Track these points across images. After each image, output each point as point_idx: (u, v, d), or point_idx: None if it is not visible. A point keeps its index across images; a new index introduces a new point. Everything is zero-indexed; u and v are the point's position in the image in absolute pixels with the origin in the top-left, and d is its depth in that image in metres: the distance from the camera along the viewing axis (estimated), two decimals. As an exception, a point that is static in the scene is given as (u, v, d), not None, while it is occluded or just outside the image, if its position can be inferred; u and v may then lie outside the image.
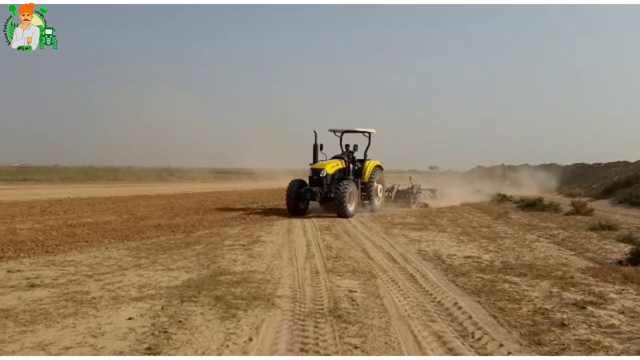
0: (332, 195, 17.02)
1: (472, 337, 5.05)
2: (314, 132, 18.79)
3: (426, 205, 21.81)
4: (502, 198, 26.77)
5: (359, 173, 19.00)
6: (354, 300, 6.35)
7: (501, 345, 4.83)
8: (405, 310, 5.94)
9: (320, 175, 17.51)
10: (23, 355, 4.38)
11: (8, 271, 7.59)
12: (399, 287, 7.10)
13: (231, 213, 17.64)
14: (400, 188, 22.54)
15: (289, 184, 17.85)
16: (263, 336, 4.98)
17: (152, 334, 4.91)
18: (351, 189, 17.24)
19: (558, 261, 9.17)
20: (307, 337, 4.96)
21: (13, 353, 4.37)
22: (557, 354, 4.66)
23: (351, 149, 19.40)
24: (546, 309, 6.04)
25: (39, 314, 5.50)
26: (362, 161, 19.35)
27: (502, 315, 5.80)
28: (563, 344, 4.88)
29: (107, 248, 9.87)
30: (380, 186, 19.78)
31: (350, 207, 17.13)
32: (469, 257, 9.55)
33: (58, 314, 5.49)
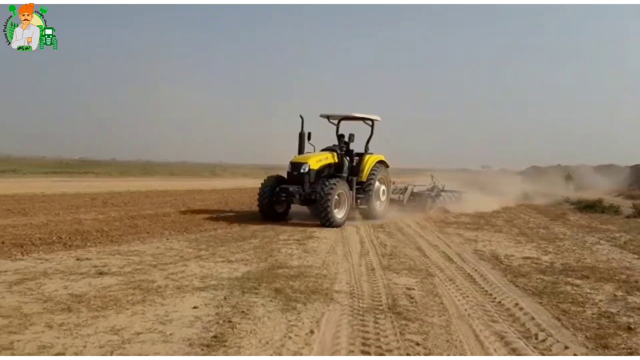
0: (315, 196, 13.31)
1: (536, 338, 4.97)
2: (300, 117, 14.74)
3: (446, 211, 18.22)
4: (565, 202, 24.80)
5: (355, 170, 15.07)
6: (412, 297, 6.34)
7: (566, 348, 4.74)
8: (465, 310, 5.89)
9: (301, 170, 13.66)
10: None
11: (77, 259, 7.93)
12: (457, 286, 7.05)
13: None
14: (416, 189, 18.92)
15: (263, 181, 14.24)
16: (324, 329, 5.04)
17: (217, 323, 5.06)
18: (340, 190, 13.38)
19: (621, 264, 8.89)
20: (367, 332, 5.00)
21: (88, 336, 4.59)
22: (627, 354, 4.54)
23: (346, 139, 15.31)
24: (611, 313, 5.88)
25: (109, 300, 5.74)
26: (361, 155, 15.43)
27: (566, 317, 5.68)
28: (630, 348, 4.76)
29: (168, 239, 10.20)
30: (383, 187, 15.71)
31: (339, 214, 13.35)
32: (527, 258, 9.36)
33: (127, 301, 5.72)
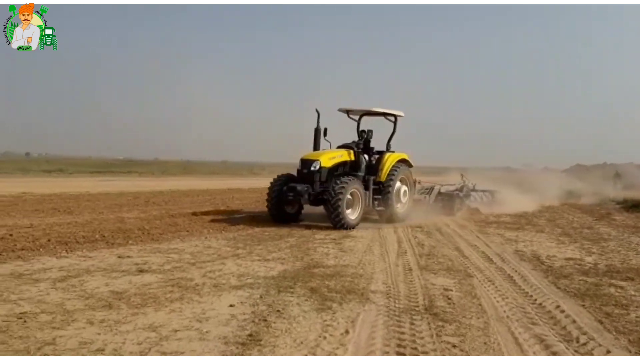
0: (326, 196, 12.30)
1: (577, 341, 4.83)
2: (316, 111, 13.81)
3: (477, 212, 17.14)
4: (611, 202, 23.57)
5: (373, 169, 14.04)
6: (449, 298, 6.25)
7: (608, 352, 4.60)
8: (504, 312, 5.78)
9: (312, 168, 12.70)
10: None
11: (119, 257, 8.12)
12: (496, 287, 6.91)
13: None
14: (443, 189, 17.50)
15: (273, 180, 13.37)
16: (359, 330, 5.02)
17: (253, 322, 5.09)
18: (353, 188, 12.49)
19: (670, 267, 8.56)
20: (403, 333, 4.95)
21: (127, 333, 4.68)
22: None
23: (366, 135, 14.61)
24: (658, 317, 5.67)
25: (149, 297, 5.85)
26: (381, 153, 14.45)
27: (609, 320, 5.50)
28: (679, 355, 4.57)
29: (206, 238, 10.35)
30: (404, 188, 14.52)
31: (352, 215, 12.57)
32: (570, 259, 9.11)
33: (165, 298, 5.82)
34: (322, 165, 12.82)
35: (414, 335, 4.88)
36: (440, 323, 5.28)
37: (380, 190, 13.70)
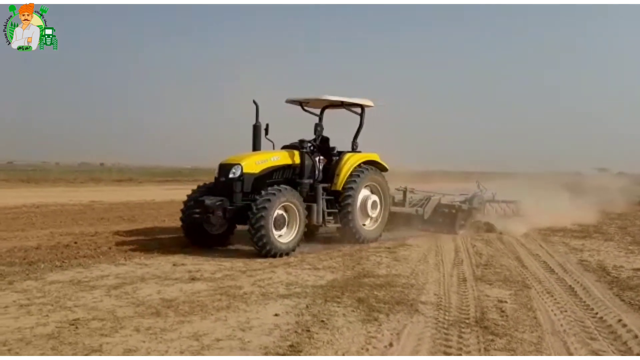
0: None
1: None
2: (255, 103, 10.92)
3: (491, 229, 13.37)
4: None
5: (329, 175, 11.05)
6: (503, 311, 6.00)
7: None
8: (561, 325, 5.48)
9: (231, 175, 9.66)
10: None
11: (174, 264, 8.29)
12: (555, 299, 6.58)
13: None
14: (445, 199, 14.11)
15: (191, 191, 10.47)
16: (404, 342, 4.89)
17: (296, 332, 5.05)
18: (286, 202, 9.38)
19: None
20: (450, 347, 4.78)
21: (171, 341, 4.75)
22: None
23: (320, 131, 11.30)
24: None
25: (196, 305, 5.93)
26: (340, 155, 11.44)
27: (678, 338, 5.10)
28: None
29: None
30: (375, 198, 11.51)
31: (286, 237, 9.46)
32: (639, 269, 8.57)
33: (213, 307, 5.88)
34: (245, 171, 9.66)
35: (460, 350, 4.70)
36: (490, 337, 5.07)
37: (337, 202, 10.82)
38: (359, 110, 11.87)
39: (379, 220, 11.73)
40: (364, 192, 11.32)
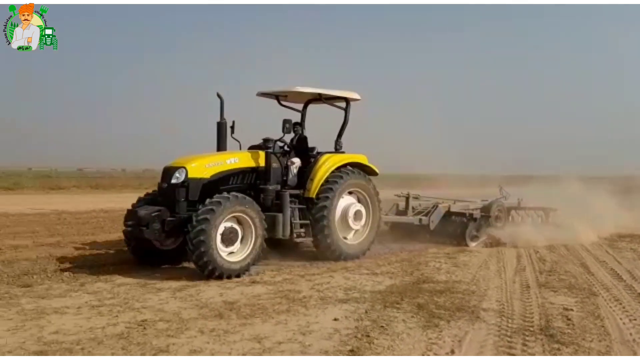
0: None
1: None
2: (219, 97, 9.51)
3: (495, 241, 11.71)
4: None
5: (302, 180, 9.56)
6: (569, 319, 5.81)
7: None
8: (631, 334, 5.27)
9: (173, 181, 8.21)
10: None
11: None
12: (623, 307, 6.32)
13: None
14: (456, 207, 12.34)
15: (136, 201, 8.77)
16: (466, 350, 4.82)
17: (355, 337, 5.06)
18: (236, 212, 7.90)
19: None
20: (513, 354, 4.68)
21: (234, 343, 4.86)
22: None
23: (300, 130, 10.29)
24: None
25: (257, 308, 6.04)
26: (316, 156, 9.85)
27: None
28: None
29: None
30: (359, 207, 9.84)
31: (237, 255, 7.97)
32: None
33: (273, 310, 5.97)
34: (191, 175, 8.20)
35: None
36: (555, 345, 4.93)
37: (310, 212, 9.28)
38: (343, 104, 10.32)
39: (365, 233, 9.93)
40: (346, 200, 9.72)
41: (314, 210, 9.20)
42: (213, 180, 8.47)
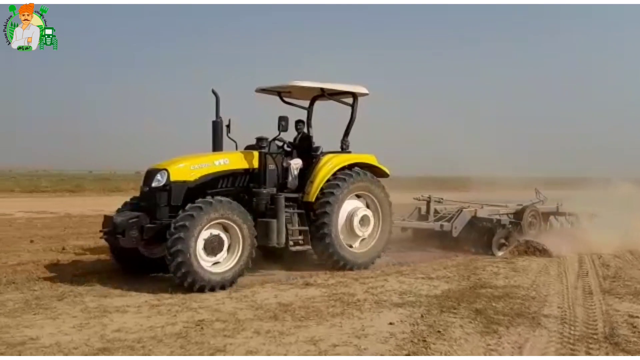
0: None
1: None
2: (214, 94, 8.66)
3: (540, 250, 10.41)
4: None
5: (303, 182, 8.83)
6: (635, 327, 5.57)
7: None
8: None
9: (154, 184, 7.63)
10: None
11: (288, 270, 8.51)
12: (695, 316, 6.00)
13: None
14: (483, 212, 11.34)
15: (122, 206, 8.20)
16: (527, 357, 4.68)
17: (412, 342, 5.00)
18: (213, 218, 7.14)
19: None
20: (577, 363, 4.51)
21: (289, 345, 4.88)
22: None
23: (303, 128, 9.55)
24: None
25: (312, 311, 6.05)
26: (317, 157, 9.04)
27: None
28: None
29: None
30: (367, 212, 9.01)
31: (222, 266, 7.30)
32: None
33: (327, 313, 5.97)
34: (173, 178, 7.58)
35: (589, 368, 4.41)
36: (621, 354, 4.73)
37: (310, 218, 8.57)
38: (349, 100, 9.53)
39: (374, 240, 9.10)
40: (351, 204, 8.94)
41: (314, 216, 8.49)
42: (200, 183, 7.84)
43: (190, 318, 5.71)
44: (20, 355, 4.56)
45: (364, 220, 8.94)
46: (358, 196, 9.09)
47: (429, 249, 10.89)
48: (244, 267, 7.41)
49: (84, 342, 4.87)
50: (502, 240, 10.64)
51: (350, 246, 8.88)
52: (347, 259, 8.60)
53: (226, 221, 7.30)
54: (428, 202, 11.39)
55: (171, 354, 4.64)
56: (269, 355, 4.63)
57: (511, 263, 9.49)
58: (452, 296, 6.83)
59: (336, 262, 8.52)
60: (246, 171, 8.39)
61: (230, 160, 8.26)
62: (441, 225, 10.66)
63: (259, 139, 8.36)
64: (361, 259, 8.82)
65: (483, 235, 10.67)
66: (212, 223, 7.14)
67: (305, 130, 9.53)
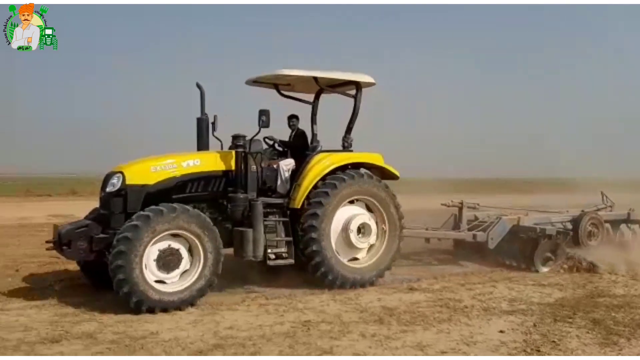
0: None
1: None
2: (198, 87, 7.67)
3: (590, 267, 8.70)
4: None
5: (290, 186, 7.74)
6: None
7: None
8: None
9: (108, 189, 6.85)
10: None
11: (391, 273, 8.43)
12: None
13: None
14: (527, 221, 9.55)
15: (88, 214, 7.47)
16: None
17: (524, 351, 4.81)
18: (163, 229, 6.23)
19: None
20: None
21: (396, 349, 4.85)
22: None
23: (296, 125, 8.45)
24: None
25: (417, 316, 5.97)
26: (308, 156, 7.85)
27: None
28: None
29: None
30: (367, 220, 7.71)
31: (177, 284, 6.35)
32: None
33: (434, 318, 5.86)
34: (130, 182, 6.73)
35: None
36: None
37: (295, 226, 7.45)
38: (352, 90, 8.24)
39: (379, 253, 7.80)
40: (349, 211, 7.70)
41: (301, 231, 7.33)
42: (163, 188, 6.88)
43: (297, 318, 5.83)
44: (142, 348, 4.87)
45: (363, 230, 7.65)
46: (353, 201, 7.76)
47: (463, 262, 9.51)
48: (207, 285, 6.43)
49: (199, 338, 5.12)
50: (548, 254, 8.93)
51: (348, 261, 7.64)
52: (345, 277, 7.38)
53: (182, 232, 6.35)
54: (460, 208, 9.86)
55: (280, 353, 4.77)
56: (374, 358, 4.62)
57: (631, 270, 8.81)
58: (567, 305, 6.48)
59: (332, 282, 7.29)
60: (223, 174, 7.31)
61: (203, 161, 7.27)
62: (474, 236, 9.14)
63: (235, 137, 7.33)
64: (365, 274, 7.59)
65: (525, 247, 9.06)
66: (164, 234, 6.24)
67: (299, 127, 8.42)
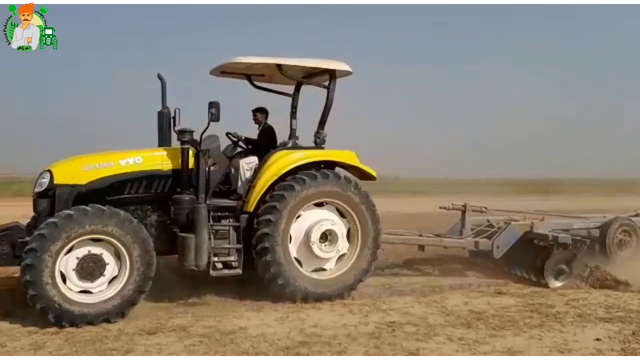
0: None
1: None
2: (159, 78, 6.96)
3: (615, 284, 7.51)
4: None
5: (245, 189, 7.00)
6: None
7: None
8: None
9: (36, 189, 6.34)
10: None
11: (476, 277, 8.21)
12: None
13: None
14: (540, 227, 8.12)
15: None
16: None
17: (623, 361, 4.55)
18: (75, 235, 5.55)
19: None
20: None
21: (485, 354, 4.73)
22: None
23: (264, 121, 7.64)
24: None
25: (507, 320, 5.79)
26: (268, 153, 7.00)
27: None
28: None
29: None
30: (335, 228, 6.78)
31: (96, 295, 5.69)
32: None
33: (524, 324, 5.67)
34: (58, 181, 6.18)
35: None
36: None
37: (251, 232, 6.63)
38: (326, 80, 7.33)
39: (350, 263, 6.92)
40: (315, 216, 6.84)
41: (254, 240, 6.56)
42: (97, 188, 6.26)
43: (382, 319, 5.81)
44: (231, 342, 5.03)
45: (328, 237, 6.79)
46: (322, 204, 6.90)
47: (467, 273, 8.59)
48: (137, 295, 5.82)
49: (286, 335, 5.22)
50: (561, 265, 7.77)
51: (311, 271, 6.83)
52: (307, 291, 6.56)
53: (101, 236, 5.72)
54: (463, 212, 8.94)
55: (365, 353, 4.78)
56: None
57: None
58: (670, 314, 6.07)
59: (293, 295, 6.52)
60: (171, 173, 6.59)
61: (146, 159, 6.57)
62: (476, 243, 8.07)
63: (181, 132, 6.50)
64: (332, 285, 6.76)
65: (535, 257, 7.89)
66: (80, 239, 5.62)
67: (267, 122, 7.67)
